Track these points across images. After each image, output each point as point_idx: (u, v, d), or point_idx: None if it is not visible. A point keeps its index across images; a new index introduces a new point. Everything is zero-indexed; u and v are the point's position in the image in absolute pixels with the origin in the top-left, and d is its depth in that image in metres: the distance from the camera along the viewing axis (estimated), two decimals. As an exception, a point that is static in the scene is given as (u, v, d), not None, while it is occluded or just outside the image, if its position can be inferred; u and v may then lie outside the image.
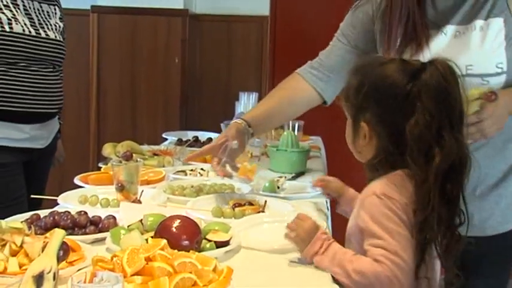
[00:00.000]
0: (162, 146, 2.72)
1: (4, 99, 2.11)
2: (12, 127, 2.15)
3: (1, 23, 2.09)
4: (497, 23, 1.62)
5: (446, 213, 1.29)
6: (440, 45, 1.66)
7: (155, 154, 2.47)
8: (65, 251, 1.19)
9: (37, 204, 1.97)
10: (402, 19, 1.68)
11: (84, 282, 0.94)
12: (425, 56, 1.63)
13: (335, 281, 1.27)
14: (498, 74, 1.61)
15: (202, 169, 2.24)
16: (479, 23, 1.63)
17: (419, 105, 1.29)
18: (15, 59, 2.12)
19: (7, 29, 2.09)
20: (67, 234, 1.41)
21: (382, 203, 1.29)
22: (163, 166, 2.31)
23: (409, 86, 1.31)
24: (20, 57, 2.13)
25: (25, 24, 2.17)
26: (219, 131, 2.98)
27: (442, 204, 1.28)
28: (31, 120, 2.20)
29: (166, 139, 3.01)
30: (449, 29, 1.67)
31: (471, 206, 1.60)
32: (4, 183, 2.15)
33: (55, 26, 2.32)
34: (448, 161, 1.28)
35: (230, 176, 1.95)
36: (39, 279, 0.83)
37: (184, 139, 2.85)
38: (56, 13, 2.37)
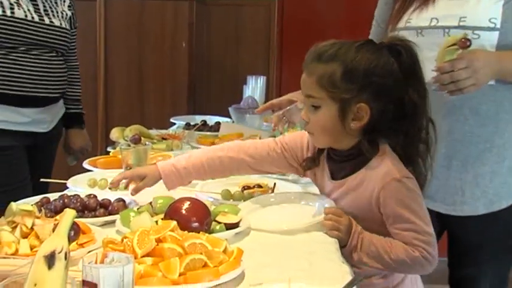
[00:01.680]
0: (170, 130, 2.72)
1: (4, 82, 2.12)
2: (13, 110, 2.16)
3: (3, 7, 2.10)
4: None
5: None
6: (444, 0, 1.70)
7: (163, 138, 2.47)
8: (75, 231, 1.20)
9: (44, 188, 1.98)
10: None
11: (96, 263, 0.95)
12: (429, 10, 1.70)
13: (344, 260, 1.28)
14: (490, 29, 1.61)
15: (210, 152, 2.24)
16: None
17: (409, 81, 1.39)
18: (15, 44, 2.13)
19: (8, 14, 2.10)
20: (77, 217, 1.42)
21: (403, 186, 1.37)
22: (172, 150, 2.31)
23: (395, 64, 1.39)
24: (21, 42, 2.14)
25: (28, 10, 2.17)
26: (227, 115, 2.99)
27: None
28: (32, 104, 2.20)
29: (174, 124, 3.01)
30: None
31: (463, 181, 1.63)
32: (6, 167, 2.16)
33: (62, 13, 2.32)
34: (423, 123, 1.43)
35: (281, 128, 2.05)
36: (50, 258, 0.83)
37: (192, 123, 2.85)
38: (64, 1, 2.38)
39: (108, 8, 3.72)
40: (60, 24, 2.29)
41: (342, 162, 1.47)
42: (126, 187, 1.61)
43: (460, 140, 1.68)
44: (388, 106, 1.39)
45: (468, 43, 1.49)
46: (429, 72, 1.51)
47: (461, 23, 1.64)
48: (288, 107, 1.98)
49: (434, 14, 1.69)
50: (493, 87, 1.63)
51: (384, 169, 1.38)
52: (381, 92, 1.37)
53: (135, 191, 1.57)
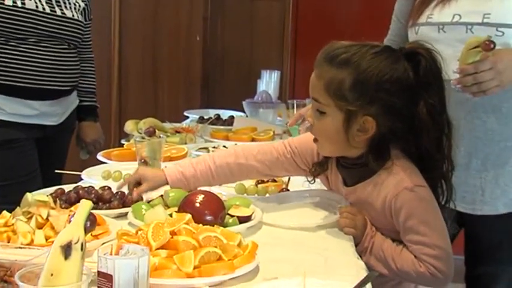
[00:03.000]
0: (184, 124, 2.72)
1: (13, 74, 2.11)
2: (22, 103, 2.15)
3: None
4: None
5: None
6: None
7: (177, 131, 2.47)
8: (92, 222, 1.20)
9: (57, 180, 1.98)
10: None
11: (110, 254, 0.94)
12: (451, 5, 1.66)
13: (359, 256, 1.28)
14: None
15: (224, 146, 2.24)
16: None
17: (423, 92, 1.33)
18: (25, 35, 2.12)
19: (19, 4, 2.09)
20: (92, 209, 1.43)
21: (416, 196, 1.32)
22: (185, 143, 2.31)
23: (411, 75, 1.33)
24: (31, 33, 2.13)
25: (39, 1, 2.16)
26: (240, 109, 2.98)
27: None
28: (41, 97, 2.19)
29: (187, 117, 3.01)
30: None
31: (483, 180, 1.61)
32: (15, 159, 2.16)
33: (74, 5, 2.31)
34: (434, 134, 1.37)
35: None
36: (67, 249, 0.83)
37: (206, 117, 2.84)
38: None
39: (123, 1, 3.72)
40: (73, 15, 2.28)
41: (351, 169, 1.44)
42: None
43: (480, 138, 1.66)
44: (396, 123, 1.34)
45: (492, 45, 1.46)
46: (450, 69, 1.49)
47: (485, 20, 1.60)
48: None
49: (457, 10, 1.66)
50: None
51: (395, 178, 1.34)
52: (390, 108, 1.32)
53: (138, 193, 1.53)
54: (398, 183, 1.34)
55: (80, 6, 2.34)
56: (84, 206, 0.91)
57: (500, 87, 1.52)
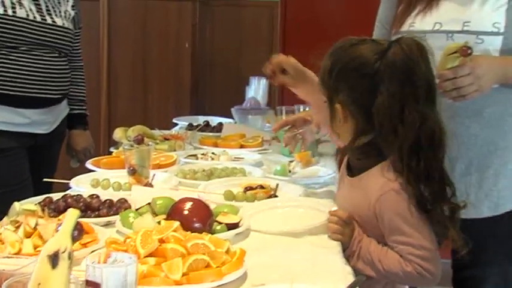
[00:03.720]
0: (173, 131, 2.72)
1: (4, 83, 2.11)
2: (13, 111, 2.15)
3: (4, 6, 2.09)
4: None
5: (425, 184, 1.33)
6: (447, 4, 1.69)
7: (166, 139, 2.47)
8: (79, 231, 1.20)
9: (47, 188, 1.98)
10: None
11: (99, 263, 0.95)
12: (433, 13, 1.68)
13: (348, 263, 1.29)
14: (494, 33, 1.62)
15: (213, 153, 2.25)
16: None
17: (382, 86, 1.32)
18: (16, 43, 2.12)
19: (10, 13, 2.10)
20: (80, 217, 1.43)
21: (402, 198, 1.33)
22: (175, 150, 2.32)
23: (376, 66, 1.34)
24: (22, 41, 2.13)
25: (30, 9, 2.17)
26: (229, 115, 2.99)
27: (419, 177, 1.32)
28: (32, 105, 2.19)
29: (176, 124, 3.02)
30: None
31: (467, 184, 1.62)
32: (6, 168, 2.15)
33: (65, 13, 2.32)
34: (411, 134, 1.31)
35: (292, 148, 1.97)
36: (54, 258, 0.83)
37: (195, 124, 2.85)
38: (68, 1, 2.37)
39: (111, 8, 3.72)
40: (63, 24, 2.29)
41: (353, 160, 1.47)
42: None
43: (464, 142, 1.68)
44: (360, 115, 1.37)
45: (469, 51, 1.49)
46: None
47: (465, 28, 1.64)
48: (301, 130, 1.90)
49: (437, 19, 1.69)
50: (498, 90, 1.63)
51: (383, 178, 1.36)
52: (352, 97, 1.37)
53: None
54: (384, 184, 1.35)
55: (70, 14, 2.35)
56: (72, 215, 0.92)
57: (479, 92, 1.54)
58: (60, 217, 1.36)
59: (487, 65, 1.56)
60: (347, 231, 1.39)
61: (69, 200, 1.52)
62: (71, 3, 2.38)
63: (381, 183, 1.35)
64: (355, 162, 1.48)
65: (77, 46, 2.46)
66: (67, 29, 2.31)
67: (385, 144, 1.34)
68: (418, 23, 1.72)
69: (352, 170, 1.49)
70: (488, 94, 1.58)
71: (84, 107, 2.55)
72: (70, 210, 0.94)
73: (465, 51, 1.49)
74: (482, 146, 1.67)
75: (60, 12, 2.29)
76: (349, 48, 1.40)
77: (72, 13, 2.37)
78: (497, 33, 1.62)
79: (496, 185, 1.68)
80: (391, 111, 1.32)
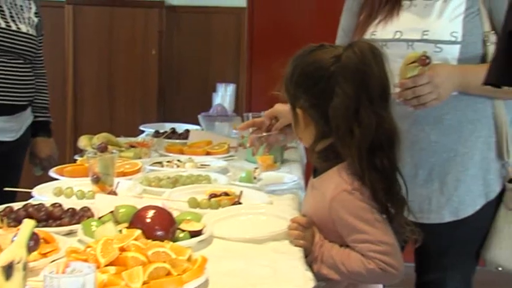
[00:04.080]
0: (139, 138, 2.71)
1: None
2: None
3: None
4: None
5: (383, 184, 1.35)
6: (407, 14, 1.74)
7: (132, 146, 2.46)
8: (35, 241, 1.19)
9: (10, 197, 1.95)
10: None
11: (57, 273, 0.94)
12: (393, 23, 1.73)
13: (309, 268, 1.30)
14: (452, 42, 1.66)
15: (179, 160, 2.24)
16: None
17: (337, 88, 1.35)
18: None
19: None
20: (41, 226, 1.42)
21: (355, 197, 1.34)
22: (140, 158, 2.30)
23: (332, 69, 1.37)
24: None
25: None
26: (197, 122, 2.99)
27: (375, 177, 1.34)
28: None
29: (143, 131, 3.00)
30: (419, 2, 1.74)
31: (429, 189, 1.65)
32: None
33: (28, 20, 2.30)
34: (368, 135, 1.34)
35: (255, 150, 1.98)
36: (8, 269, 0.83)
37: (161, 131, 2.84)
38: (30, 8, 2.35)
39: (77, 16, 3.69)
40: (28, 30, 2.27)
41: (316, 162, 1.49)
42: None
43: (425, 149, 1.71)
44: (320, 119, 1.40)
45: (428, 61, 1.54)
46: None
47: (424, 37, 1.68)
48: (269, 133, 1.91)
49: (398, 27, 1.73)
50: (456, 97, 1.67)
51: (337, 180, 1.38)
52: (310, 101, 1.41)
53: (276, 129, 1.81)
54: (337, 185, 1.37)
55: (33, 21, 2.33)
56: (27, 226, 0.91)
57: (439, 100, 1.59)
58: (20, 227, 1.34)
59: (446, 74, 1.60)
60: (307, 236, 1.40)
61: (30, 209, 1.50)
62: (33, 10, 2.36)
63: (334, 186, 1.37)
64: (318, 165, 1.50)
65: (39, 53, 2.44)
66: (31, 36, 2.29)
67: (342, 145, 1.36)
68: (380, 32, 1.76)
69: (316, 172, 1.51)
70: (447, 101, 1.62)
71: (48, 114, 2.53)
72: (25, 220, 0.94)
73: (424, 60, 1.53)
74: (442, 153, 1.70)
75: (24, 19, 2.28)
76: (308, 54, 1.43)
77: (36, 20, 2.35)
78: (454, 42, 1.66)
79: (456, 190, 1.72)
80: (347, 113, 1.34)
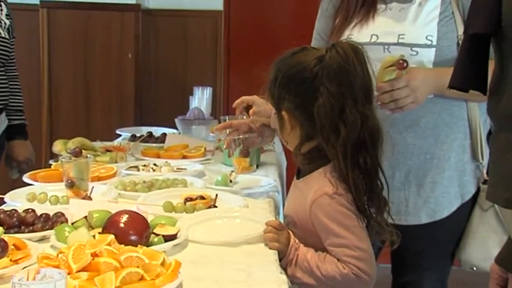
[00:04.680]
0: (116, 142, 2.69)
1: None
2: None
3: None
4: (435, 1, 1.71)
5: (365, 183, 1.38)
6: (383, 17, 1.76)
7: (108, 150, 2.44)
8: (3, 248, 1.17)
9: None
10: None
11: (27, 279, 0.93)
12: (369, 26, 1.76)
13: (283, 271, 1.30)
14: (427, 46, 1.68)
15: (155, 164, 2.23)
16: None
17: (322, 88, 1.37)
18: None
19: None
20: (13, 233, 1.40)
21: (335, 202, 1.36)
22: (116, 162, 2.29)
23: (315, 70, 1.39)
24: None
25: None
26: (174, 126, 2.98)
27: (359, 176, 1.37)
28: None
29: (120, 135, 2.99)
30: (394, 5, 1.76)
31: (406, 191, 1.67)
32: None
33: (0, 23, 2.27)
34: (353, 134, 1.36)
35: (232, 152, 1.98)
36: (-26, 277, 0.81)
37: (138, 135, 2.82)
38: (1, 10, 2.33)
39: (51, 19, 3.66)
40: (0, 33, 2.25)
41: (301, 163, 1.50)
42: None
43: (402, 152, 1.72)
44: (305, 120, 1.43)
45: (405, 64, 1.55)
46: None
47: (400, 40, 1.70)
48: (246, 136, 1.91)
49: (374, 31, 1.74)
50: (432, 100, 1.68)
51: (320, 182, 1.39)
52: (294, 103, 1.43)
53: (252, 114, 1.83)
54: (319, 188, 1.38)
55: (5, 24, 2.31)
56: (-5, 232, 0.90)
57: (416, 104, 1.60)
58: (-9, 233, 1.33)
59: (422, 77, 1.61)
60: (282, 238, 1.40)
61: (2, 215, 1.48)
62: (5, 12, 2.34)
63: (316, 188, 1.39)
64: (302, 166, 1.51)
65: (12, 56, 2.42)
66: (4, 39, 2.27)
67: (328, 144, 1.38)
68: (356, 35, 1.77)
69: (299, 174, 1.53)
70: (423, 105, 1.64)
71: (23, 117, 2.51)
72: (-7, 227, 0.92)
73: (401, 64, 1.54)
74: (419, 155, 1.72)
75: None
76: (291, 57, 1.45)
77: (8, 22, 2.33)
78: (430, 46, 1.68)
79: (433, 192, 1.73)
80: (332, 111, 1.36)
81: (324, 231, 1.37)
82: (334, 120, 1.36)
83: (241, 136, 1.91)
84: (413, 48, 1.68)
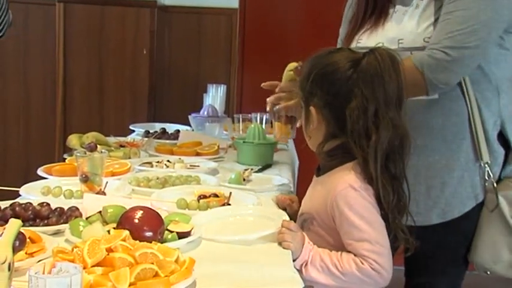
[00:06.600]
0: (129, 138, 2.70)
1: None
2: None
3: None
4: (430, 2, 1.70)
5: (392, 189, 1.41)
6: (391, 23, 1.77)
7: (121, 146, 2.44)
8: (21, 241, 1.18)
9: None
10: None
11: (43, 273, 0.93)
12: (378, 32, 1.77)
13: (297, 272, 1.29)
14: (425, 48, 1.67)
15: (168, 161, 2.23)
16: (416, 0, 1.73)
17: (357, 90, 1.40)
18: None
19: None
20: (28, 226, 1.41)
21: (360, 195, 1.38)
22: (130, 158, 2.29)
23: (350, 72, 1.42)
24: None
25: None
26: (187, 123, 2.98)
27: (387, 181, 1.39)
28: None
29: (133, 131, 2.99)
30: (399, 8, 1.77)
31: (416, 192, 1.67)
32: None
33: None
34: (384, 139, 1.38)
35: (272, 120, 2.03)
36: (-7, 269, 0.82)
37: (151, 131, 2.83)
38: None
39: (67, 14, 3.68)
40: None
41: (322, 161, 1.52)
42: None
43: (411, 153, 1.72)
44: (333, 119, 1.44)
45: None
46: None
47: (400, 45, 1.72)
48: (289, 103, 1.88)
49: (381, 38, 1.77)
50: (439, 101, 1.68)
51: (343, 176, 1.41)
52: (325, 101, 1.44)
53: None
54: (344, 181, 1.40)
55: None
56: (13, 225, 0.90)
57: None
58: (6, 226, 1.33)
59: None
60: (297, 239, 1.40)
61: (17, 208, 1.49)
62: None
63: (341, 181, 1.41)
64: (323, 163, 1.53)
65: None
66: None
67: (357, 147, 1.40)
68: (365, 40, 1.81)
69: (320, 170, 1.54)
70: (430, 106, 1.65)
71: None
72: (11, 220, 0.93)
73: (299, 71, 1.74)
74: (428, 156, 1.72)
75: None
76: (326, 55, 1.48)
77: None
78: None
79: (443, 192, 1.73)
80: (365, 115, 1.39)
81: (345, 224, 1.38)
82: (366, 123, 1.39)
83: (286, 104, 1.90)
84: (412, 52, 1.68)
